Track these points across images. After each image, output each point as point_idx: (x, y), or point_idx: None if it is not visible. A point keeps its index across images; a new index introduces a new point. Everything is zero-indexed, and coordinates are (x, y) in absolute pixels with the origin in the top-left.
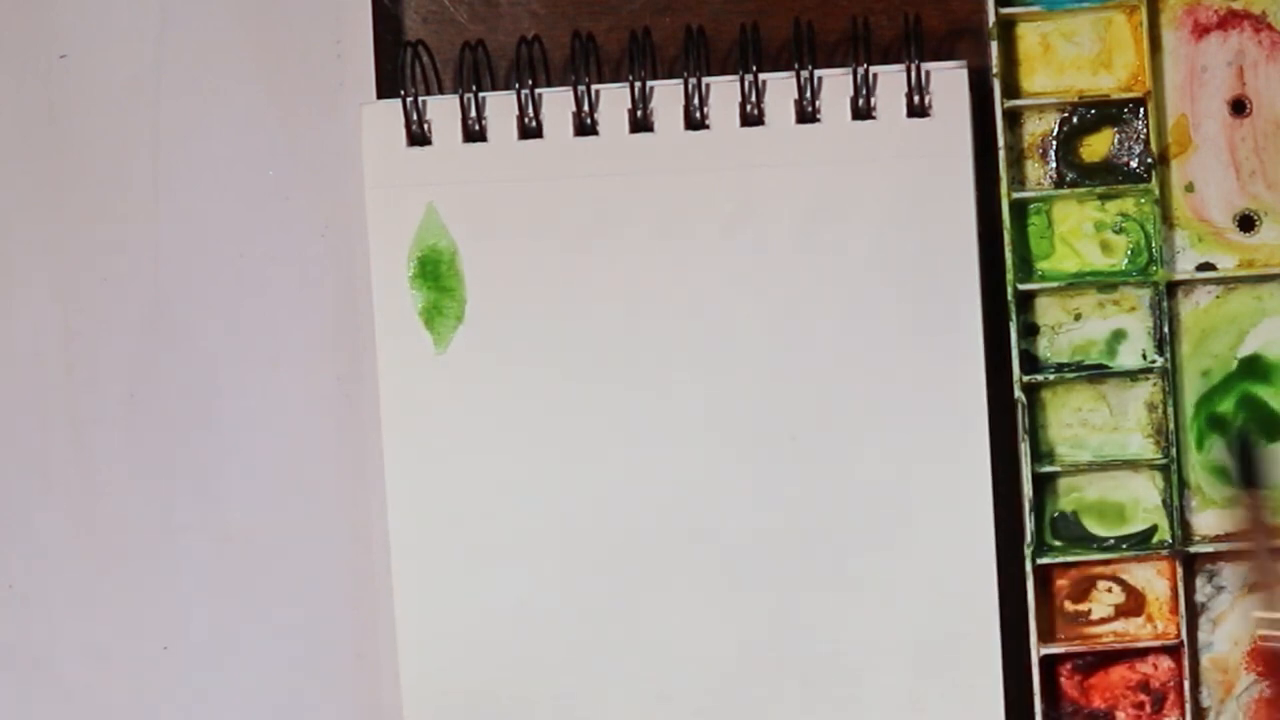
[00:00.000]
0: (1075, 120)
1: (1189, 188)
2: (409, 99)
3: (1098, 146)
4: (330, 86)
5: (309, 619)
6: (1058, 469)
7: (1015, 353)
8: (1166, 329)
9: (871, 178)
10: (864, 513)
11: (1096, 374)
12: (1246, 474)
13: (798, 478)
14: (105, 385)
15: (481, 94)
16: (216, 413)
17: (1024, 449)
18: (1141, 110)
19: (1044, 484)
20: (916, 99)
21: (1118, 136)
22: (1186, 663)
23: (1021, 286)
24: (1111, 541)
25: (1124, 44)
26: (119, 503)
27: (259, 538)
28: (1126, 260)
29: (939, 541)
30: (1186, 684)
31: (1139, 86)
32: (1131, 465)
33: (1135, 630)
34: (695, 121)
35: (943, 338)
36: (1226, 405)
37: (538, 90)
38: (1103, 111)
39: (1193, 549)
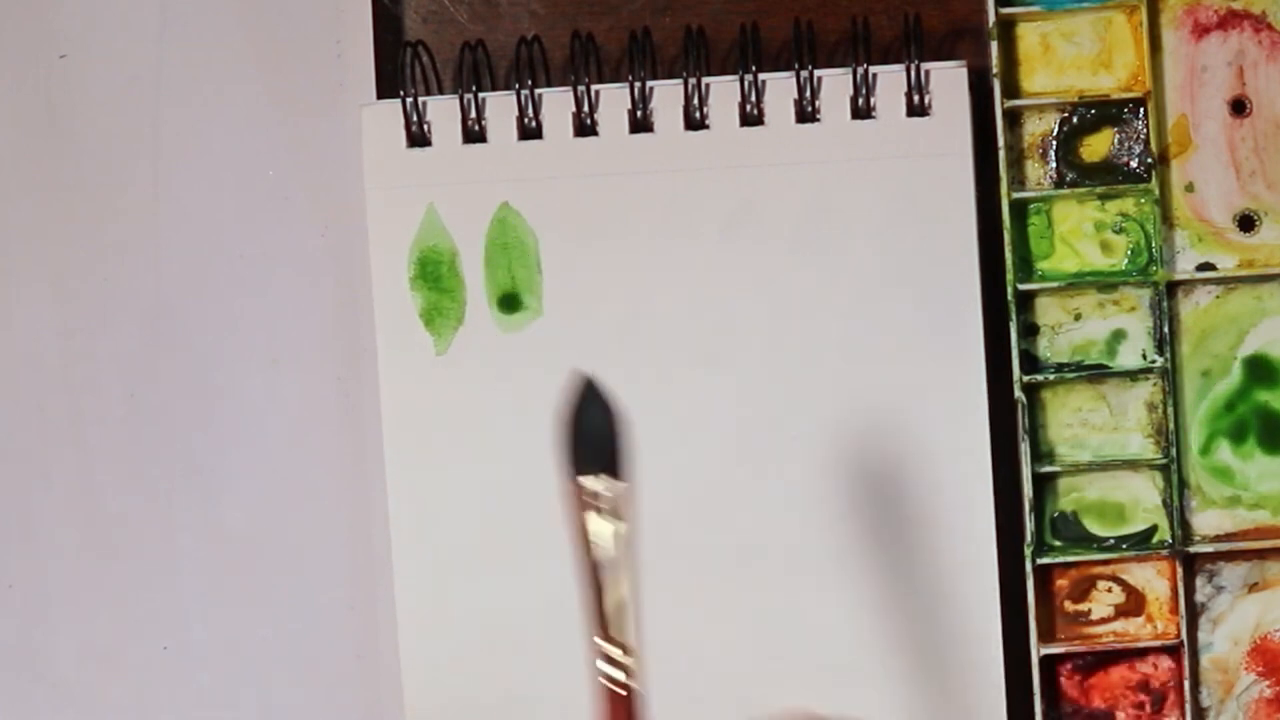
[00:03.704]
0: (1075, 120)
1: (1189, 188)
2: (409, 99)
3: (1098, 146)
4: (330, 86)
5: (309, 619)
6: (1058, 469)
7: (1015, 353)
8: (1166, 329)
9: (871, 178)
10: (864, 513)
11: (1096, 374)
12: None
13: (797, 478)
14: (105, 385)
15: (481, 94)
16: (216, 413)
17: (1024, 449)
18: (1141, 110)
19: (1044, 484)
20: (916, 99)
21: (1118, 136)
22: (1186, 663)
23: (1021, 286)
24: (1111, 541)
25: (1124, 44)
26: (119, 503)
27: (259, 538)
28: (1126, 260)
29: (939, 541)
30: (1186, 684)
31: (1139, 86)
32: (1131, 465)
33: (1135, 630)
34: (695, 121)
35: (943, 338)
36: (1242, 411)
37: (538, 90)
38: (1103, 111)
39: (1193, 549)
